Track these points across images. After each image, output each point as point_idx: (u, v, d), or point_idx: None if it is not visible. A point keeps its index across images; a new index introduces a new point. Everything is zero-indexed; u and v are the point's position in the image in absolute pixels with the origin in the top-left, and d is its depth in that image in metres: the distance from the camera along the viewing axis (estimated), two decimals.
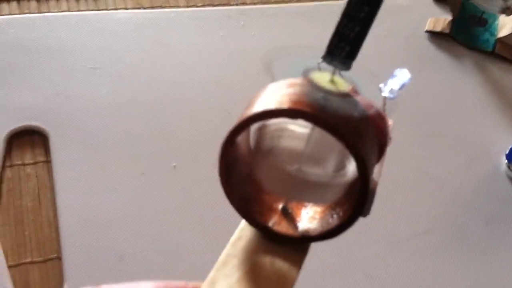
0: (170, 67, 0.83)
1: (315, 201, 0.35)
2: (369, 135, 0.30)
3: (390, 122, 0.37)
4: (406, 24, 0.99)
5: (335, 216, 0.33)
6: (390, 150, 0.36)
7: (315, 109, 0.28)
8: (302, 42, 0.91)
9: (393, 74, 0.35)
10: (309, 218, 0.35)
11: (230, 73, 0.85)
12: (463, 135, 0.85)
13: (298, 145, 0.32)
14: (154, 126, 0.76)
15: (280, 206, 0.35)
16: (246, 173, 0.34)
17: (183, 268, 0.65)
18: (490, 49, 0.97)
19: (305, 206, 0.35)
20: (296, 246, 0.34)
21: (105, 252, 0.64)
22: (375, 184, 0.33)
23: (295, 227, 0.34)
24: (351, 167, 0.32)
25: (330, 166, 0.32)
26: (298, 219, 0.35)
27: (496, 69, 0.96)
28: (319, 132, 0.29)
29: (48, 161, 0.71)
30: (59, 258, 0.64)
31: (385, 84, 0.35)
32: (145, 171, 0.72)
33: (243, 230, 0.35)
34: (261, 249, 0.33)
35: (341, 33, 0.30)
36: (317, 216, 0.34)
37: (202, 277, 0.64)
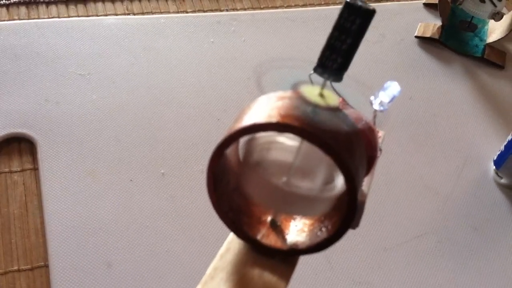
0: (160, 73, 0.83)
1: (304, 214, 0.35)
2: (358, 148, 0.30)
3: (380, 133, 0.38)
4: (396, 30, 0.99)
5: (323, 229, 0.33)
6: (380, 155, 0.36)
7: (303, 123, 0.28)
8: (292, 48, 0.91)
9: (384, 86, 0.35)
10: (297, 230, 0.35)
11: (220, 79, 0.85)
12: (453, 141, 0.86)
13: (287, 157, 0.32)
14: (143, 133, 0.76)
15: (269, 218, 0.35)
16: (234, 185, 0.34)
17: (172, 275, 0.65)
18: (479, 54, 0.97)
19: (294, 219, 0.35)
20: (285, 258, 0.34)
21: (93, 259, 0.64)
22: (365, 197, 0.33)
23: (284, 239, 0.34)
24: (340, 181, 0.32)
25: (318, 179, 0.32)
26: (286, 231, 0.35)
27: (485, 75, 0.96)
28: (308, 145, 0.29)
29: (35, 169, 0.70)
30: (46, 266, 0.64)
31: (376, 97, 0.35)
32: (133, 178, 0.71)
33: (231, 243, 0.35)
34: (249, 262, 0.33)
35: (333, 45, 0.30)
36: (306, 229, 0.34)
37: (192, 285, 0.64)
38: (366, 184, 0.34)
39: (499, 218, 0.79)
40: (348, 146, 0.29)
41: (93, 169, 0.71)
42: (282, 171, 0.32)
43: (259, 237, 0.34)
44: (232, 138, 0.30)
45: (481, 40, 0.99)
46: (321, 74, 0.31)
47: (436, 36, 0.97)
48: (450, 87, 0.93)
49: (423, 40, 0.98)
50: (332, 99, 0.30)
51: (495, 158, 0.83)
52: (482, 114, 0.90)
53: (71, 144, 0.73)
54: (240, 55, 0.88)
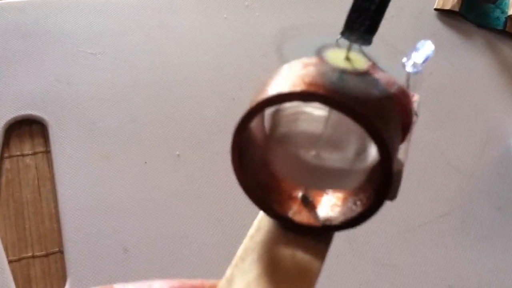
0: (173, 50, 0.81)
1: (336, 187, 0.33)
2: (391, 114, 0.28)
3: (415, 97, 0.36)
4: (414, 2, 0.96)
5: (358, 202, 0.31)
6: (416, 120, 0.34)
7: (330, 91, 0.26)
8: (309, 22, 0.88)
9: (416, 47, 0.33)
10: (331, 206, 0.33)
11: (235, 56, 0.82)
12: (475, 117, 0.83)
13: (316, 129, 0.30)
14: (156, 113, 0.74)
15: (300, 194, 0.34)
16: (261, 160, 0.32)
17: (190, 259, 0.63)
18: (501, 27, 0.95)
19: (327, 193, 0.34)
20: (318, 236, 0.32)
21: (108, 244, 0.63)
22: (402, 166, 0.31)
23: (316, 216, 0.32)
24: (373, 150, 0.30)
25: (350, 149, 0.31)
26: (319, 207, 0.33)
27: (507, 48, 0.93)
28: (337, 114, 0.28)
29: (47, 151, 0.69)
30: (61, 252, 0.62)
31: (408, 58, 0.33)
32: (148, 160, 0.69)
33: (261, 222, 0.33)
34: (281, 241, 0.32)
35: (360, 7, 0.28)
36: (340, 203, 0.33)
37: (210, 269, 0.63)
38: (402, 152, 0.32)
39: None
40: (380, 113, 0.27)
41: (107, 151, 0.69)
42: (310, 143, 0.31)
43: (290, 214, 0.32)
44: (256, 110, 0.28)
45: (503, 12, 0.96)
46: (348, 38, 0.29)
47: (456, 9, 0.94)
48: (471, 62, 0.90)
49: (443, 13, 0.95)
50: (360, 63, 0.28)
51: None
52: (505, 88, 0.88)
53: (84, 125, 0.71)
54: (254, 31, 0.86)
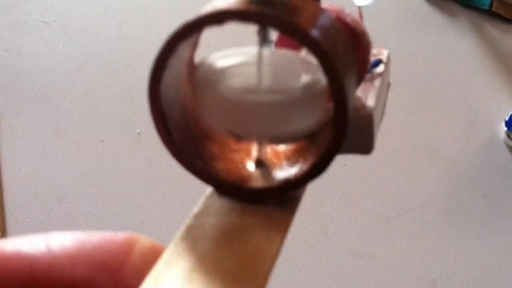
0: (134, 21, 0.76)
1: (288, 129, 0.28)
2: (330, 29, 0.24)
3: (383, 52, 0.31)
4: None
5: (316, 150, 0.27)
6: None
7: (249, 6, 0.22)
8: None
9: None
10: (288, 162, 0.28)
11: None
12: (459, 100, 0.80)
13: (250, 66, 0.26)
14: (116, 88, 0.69)
15: (251, 158, 0.29)
16: (198, 125, 0.27)
17: None
18: (486, 7, 0.91)
19: (283, 151, 0.29)
20: (281, 204, 0.27)
21: (58, 229, 0.57)
22: (370, 110, 0.26)
23: (274, 178, 0.28)
24: (321, 75, 0.26)
25: (294, 79, 0.26)
26: (276, 168, 0.28)
27: (493, 29, 0.89)
28: (271, 47, 0.24)
29: None
30: (4, 237, 0.57)
31: None
32: (105, 138, 0.65)
33: (208, 196, 0.28)
34: (233, 216, 0.26)
35: None
36: (297, 157, 0.28)
37: None
38: (366, 94, 0.27)
39: (509, 183, 0.73)
40: (314, 23, 0.23)
41: (59, 128, 0.65)
42: (248, 84, 0.26)
43: (241, 182, 0.27)
44: (170, 45, 0.24)
45: None
46: None
47: None
48: (455, 42, 0.86)
49: None
50: None
51: (506, 119, 0.77)
52: (491, 71, 0.84)
53: (35, 100, 0.66)
54: None
